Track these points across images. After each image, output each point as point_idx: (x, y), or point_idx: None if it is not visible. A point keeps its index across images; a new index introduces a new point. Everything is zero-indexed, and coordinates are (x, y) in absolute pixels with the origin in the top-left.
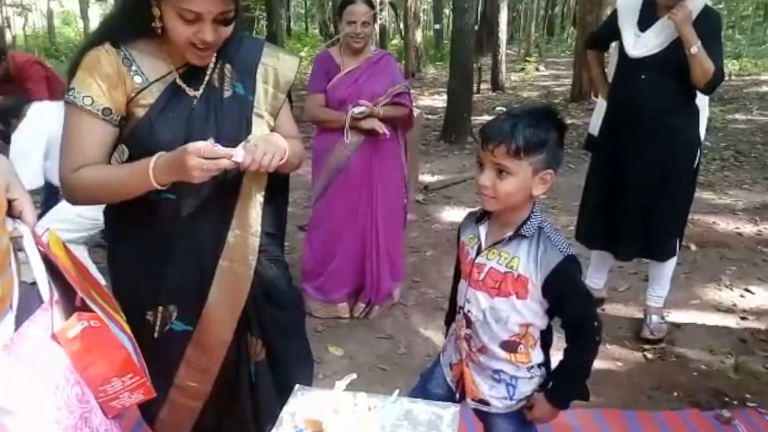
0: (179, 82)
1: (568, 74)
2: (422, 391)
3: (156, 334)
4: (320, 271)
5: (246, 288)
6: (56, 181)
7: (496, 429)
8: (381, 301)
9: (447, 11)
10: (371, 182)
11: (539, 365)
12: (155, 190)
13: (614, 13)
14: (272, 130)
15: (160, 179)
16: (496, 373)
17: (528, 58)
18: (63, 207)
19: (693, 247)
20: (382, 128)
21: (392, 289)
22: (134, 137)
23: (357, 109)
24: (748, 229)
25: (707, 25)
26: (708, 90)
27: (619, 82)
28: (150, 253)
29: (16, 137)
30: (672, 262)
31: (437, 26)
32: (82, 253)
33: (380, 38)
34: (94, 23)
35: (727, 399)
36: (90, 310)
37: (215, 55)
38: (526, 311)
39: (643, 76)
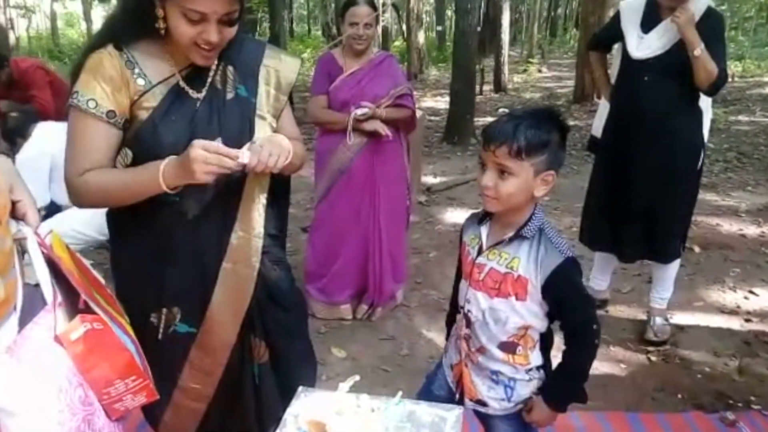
0: (182, 84)
1: (570, 76)
2: (426, 393)
3: (160, 336)
4: (323, 272)
5: (249, 290)
6: (60, 201)
7: (495, 431)
8: (384, 303)
9: (450, 13)
10: (374, 184)
11: (538, 368)
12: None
13: (617, 14)
14: (275, 131)
15: (170, 182)
16: (494, 374)
17: (531, 60)
18: (60, 220)
19: (696, 249)
20: (384, 130)
21: (395, 290)
22: (138, 140)
23: (360, 111)
24: (751, 230)
25: (710, 26)
26: (711, 92)
27: (621, 84)
28: (153, 255)
29: (21, 156)
30: (675, 264)
31: (440, 28)
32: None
33: (383, 40)
34: (98, 25)
35: (731, 401)
36: (93, 313)
37: (217, 57)
38: (526, 312)
39: (646, 78)
